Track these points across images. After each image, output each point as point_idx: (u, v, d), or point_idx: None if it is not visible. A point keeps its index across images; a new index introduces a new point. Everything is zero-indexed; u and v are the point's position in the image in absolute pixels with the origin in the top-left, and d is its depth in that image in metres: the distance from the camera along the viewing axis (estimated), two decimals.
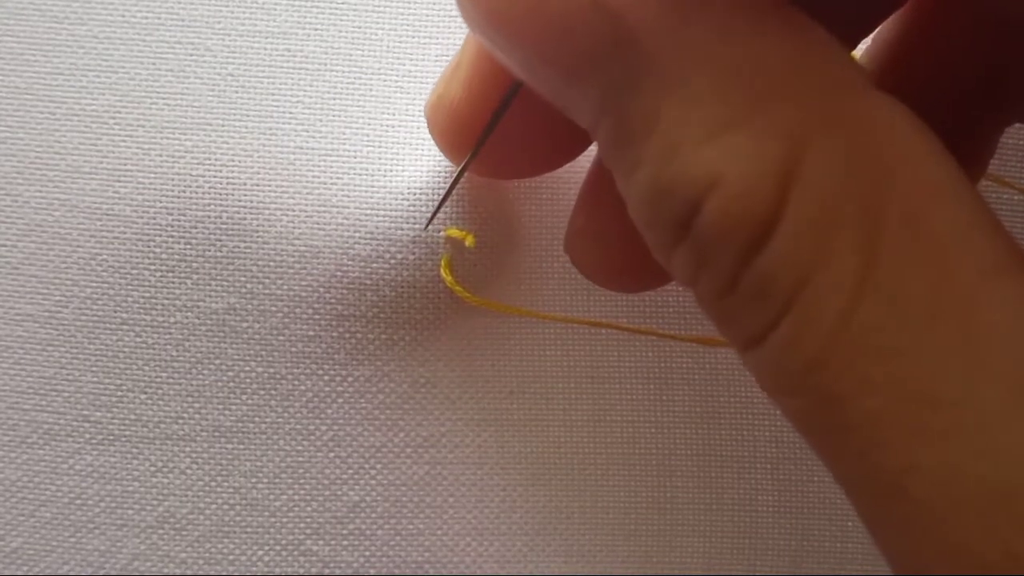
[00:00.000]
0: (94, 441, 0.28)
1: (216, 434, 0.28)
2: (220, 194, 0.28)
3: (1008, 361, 0.15)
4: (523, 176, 0.27)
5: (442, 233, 0.27)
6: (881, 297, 0.15)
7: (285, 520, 0.28)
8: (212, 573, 0.28)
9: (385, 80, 0.28)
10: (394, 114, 0.28)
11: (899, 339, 0.15)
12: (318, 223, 0.27)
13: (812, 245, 0.16)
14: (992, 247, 0.16)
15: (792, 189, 0.16)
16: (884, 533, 0.16)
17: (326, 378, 0.28)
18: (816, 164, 0.16)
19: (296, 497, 0.28)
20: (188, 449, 0.28)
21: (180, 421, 0.28)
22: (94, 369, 0.28)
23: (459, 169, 0.25)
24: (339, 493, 0.28)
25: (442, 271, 0.27)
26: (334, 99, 0.28)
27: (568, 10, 0.16)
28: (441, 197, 0.27)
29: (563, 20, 0.16)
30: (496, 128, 0.23)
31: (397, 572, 0.28)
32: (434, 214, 0.27)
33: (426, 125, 0.26)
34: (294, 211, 0.28)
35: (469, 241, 0.27)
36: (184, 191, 0.28)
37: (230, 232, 0.28)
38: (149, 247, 0.28)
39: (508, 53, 0.18)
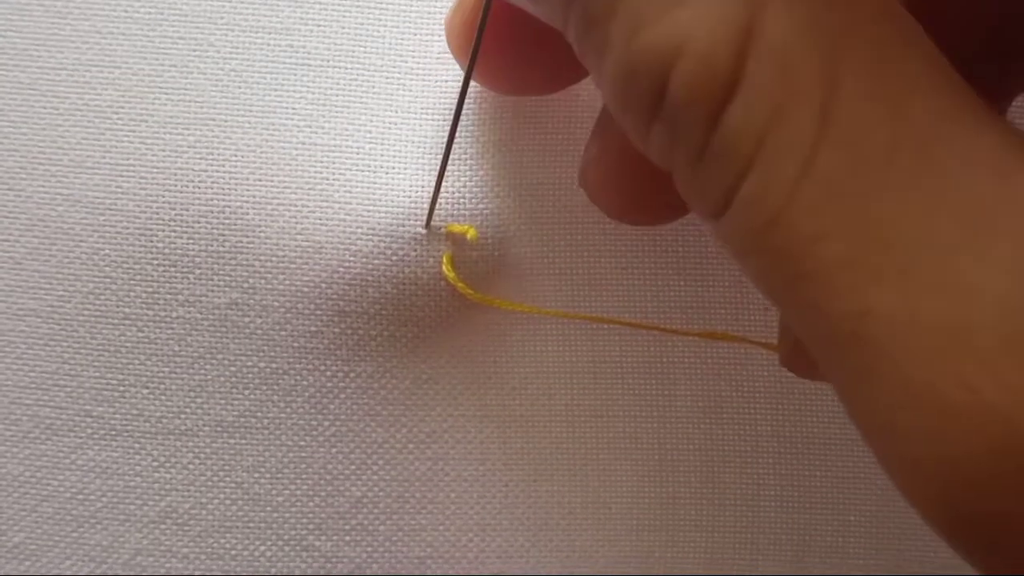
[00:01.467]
0: (96, 436, 0.28)
1: (218, 429, 0.28)
2: (223, 189, 0.28)
3: (962, 200, 0.15)
4: (527, 92, 0.27)
5: (443, 230, 0.27)
6: (839, 146, 0.16)
7: (288, 516, 0.28)
8: (214, 568, 0.28)
9: (388, 77, 0.28)
10: (397, 111, 0.28)
11: (856, 184, 0.16)
12: (320, 219, 0.27)
13: (771, 102, 0.16)
14: (949, 93, 0.16)
15: (751, 50, 0.16)
16: (847, 386, 0.16)
17: (328, 374, 0.28)
18: (774, 24, 0.16)
19: (299, 493, 0.28)
20: (190, 444, 0.28)
21: (182, 416, 0.28)
22: (96, 364, 0.28)
23: (448, 138, 0.25)
24: (342, 489, 0.28)
25: (444, 267, 0.27)
26: (337, 95, 0.28)
27: None
28: (435, 189, 0.27)
29: None
30: (491, 42, 0.23)
31: (399, 568, 0.28)
32: (433, 204, 0.27)
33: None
34: (296, 207, 0.28)
35: (471, 235, 0.27)
36: (187, 186, 0.28)
37: (233, 227, 0.28)
38: (152, 242, 0.28)
39: None
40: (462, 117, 0.27)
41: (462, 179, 0.28)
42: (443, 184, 0.27)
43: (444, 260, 0.27)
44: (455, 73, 0.28)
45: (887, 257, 0.15)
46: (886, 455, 0.16)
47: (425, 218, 0.27)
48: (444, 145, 0.27)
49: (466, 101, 0.25)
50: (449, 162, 0.27)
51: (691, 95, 0.16)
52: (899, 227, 0.15)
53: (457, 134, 0.27)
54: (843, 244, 0.16)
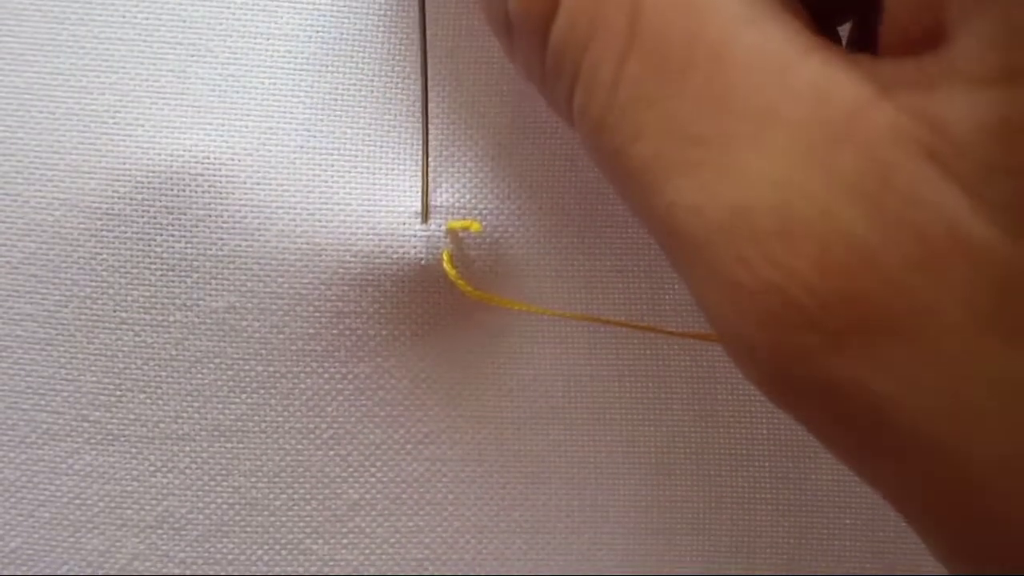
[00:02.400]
0: (93, 441, 0.28)
1: (216, 433, 0.28)
2: (220, 194, 0.28)
3: (748, 96, 0.17)
4: None
5: (443, 227, 0.27)
6: (644, 54, 0.18)
7: (285, 519, 0.28)
8: (212, 573, 0.28)
9: (386, 81, 0.28)
10: (396, 115, 0.28)
11: (660, 89, 0.17)
12: (319, 221, 0.28)
13: (586, 18, 0.18)
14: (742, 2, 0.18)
15: None
16: (678, 271, 0.18)
17: (326, 376, 0.28)
18: None
19: (296, 496, 0.28)
20: (188, 448, 0.28)
21: (180, 420, 0.28)
22: (93, 368, 0.28)
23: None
24: (339, 491, 0.28)
25: (444, 265, 0.27)
26: (335, 100, 0.28)
27: None
28: (423, 181, 0.27)
29: None
30: None
31: (397, 570, 0.28)
32: (425, 192, 0.27)
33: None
34: (295, 210, 0.28)
35: (474, 227, 0.27)
36: (184, 191, 0.28)
37: (230, 231, 0.28)
38: (149, 246, 0.28)
39: None
40: (462, 119, 0.28)
41: (462, 179, 0.28)
42: (444, 184, 0.27)
43: (444, 258, 0.27)
44: (454, 75, 0.28)
45: (685, 153, 0.17)
46: (713, 328, 0.18)
47: (422, 215, 0.27)
48: (430, 143, 0.27)
49: (466, 102, 0.25)
50: (449, 162, 0.27)
51: (520, 15, 0.19)
52: (695, 125, 0.17)
53: (457, 134, 0.27)
54: (652, 143, 0.18)
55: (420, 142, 0.28)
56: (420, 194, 0.28)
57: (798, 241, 0.16)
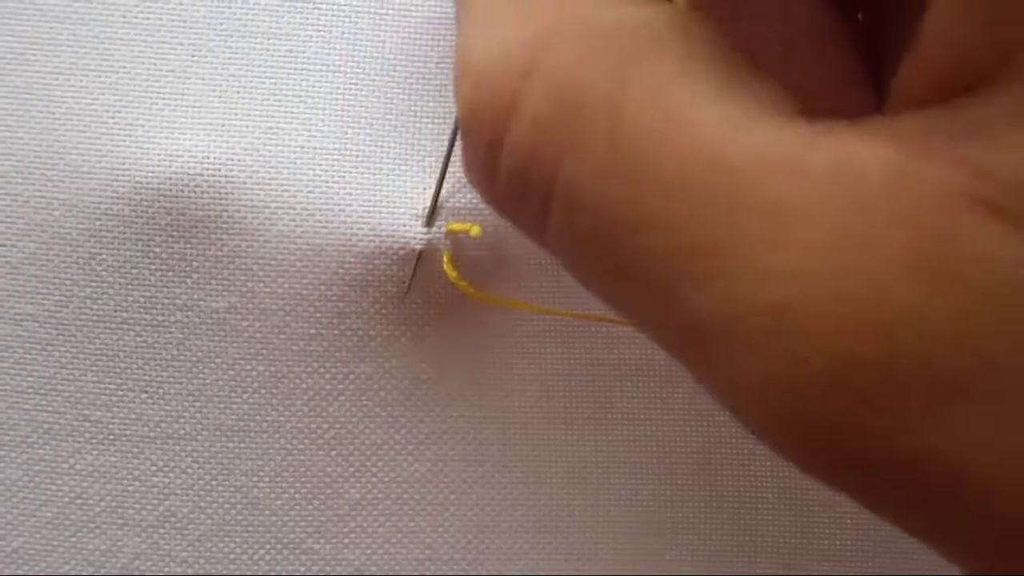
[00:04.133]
0: (95, 441, 0.28)
1: (217, 433, 0.28)
2: (220, 193, 0.28)
3: (763, 197, 0.16)
4: None
5: (444, 229, 0.27)
6: (630, 172, 0.16)
7: (286, 519, 0.28)
8: (213, 572, 0.28)
9: (388, 81, 0.28)
10: (397, 116, 0.28)
11: (657, 205, 0.16)
12: (320, 221, 0.28)
13: (554, 131, 0.17)
14: (735, 97, 0.17)
15: (530, 81, 0.17)
16: (706, 382, 0.17)
17: (327, 376, 0.28)
18: (556, 56, 0.17)
19: (297, 496, 0.28)
20: (189, 448, 0.28)
21: (181, 420, 0.28)
22: (94, 369, 0.28)
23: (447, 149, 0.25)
24: (340, 491, 0.28)
25: (444, 266, 0.27)
26: (336, 100, 0.28)
27: None
28: (436, 187, 0.27)
29: None
30: None
31: (399, 570, 0.28)
32: (435, 202, 0.27)
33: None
34: (295, 210, 0.28)
35: (475, 231, 0.27)
36: (184, 191, 0.28)
37: (231, 231, 0.28)
38: (149, 247, 0.28)
39: None
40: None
41: (463, 179, 0.28)
42: (445, 185, 0.27)
43: (444, 259, 0.27)
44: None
45: (702, 264, 0.16)
46: (753, 426, 0.17)
47: (425, 217, 0.27)
48: (445, 147, 0.27)
49: None
50: (449, 161, 0.27)
51: (469, 115, 0.17)
52: (707, 237, 0.16)
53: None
54: (661, 261, 0.16)
55: (421, 143, 0.28)
56: (431, 197, 0.27)
57: (856, 328, 0.15)
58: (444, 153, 0.26)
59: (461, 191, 0.28)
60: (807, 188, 0.16)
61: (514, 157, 0.17)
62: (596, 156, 0.17)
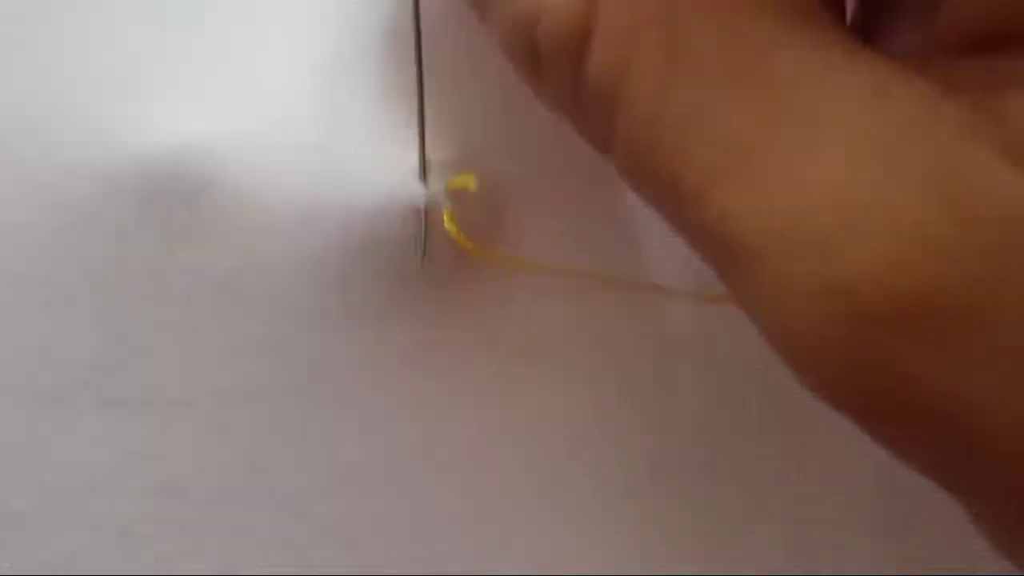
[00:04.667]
0: (95, 404, 0.28)
1: (218, 397, 0.28)
2: (223, 158, 0.28)
3: (797, 105, 0.17)
4: None
5: (443, 186, 0.27)
6: (687, 74, 0.18)
7: (287, 482, 0.28)
8: (214, 536, 0.28)
9: (384, 41, 0.28)
10: (395, 75, 0.28)
11: (706, 106, 0.18)
12: (321, 184, 0.27)
13: (622, 42, 0.18)
14: (778, 8, 0.18)
15: (598, 3, 0.18)
16: (728, 281, 0.18)
17: (328, 339, 0.28)
18: None
19: (298, 459, 0.28)
20: (190, 414, 0.28)
21: (182, 384, 0.28)
22: (95, 333, 0.28)
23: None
24: (341, 454, 0.28)
25: (445, 223, 0.27)
26: (333, 61, 0.28)
27: None
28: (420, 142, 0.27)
29: None
30: None
31: (400, 534, 0.28)
32: (422, 151, 0.27)
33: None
34: (297, 174, 0.28)
35: (471, 185, 0.27)
36: (186, 155, 0.28)
37: (232, 196, 0.28)
38: (150, 210, 0.28)
39: None
40: (459, 81, 0.28)
41: (447, 130, 0.28)
42: (441, 146, 0.27)
43: (445, 216, 0.27)
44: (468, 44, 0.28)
45: (739, 165, 0.17)
46: (765, 330, 0.18)
47: (420, 174, 0.27)
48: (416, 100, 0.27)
49: (466, 65, 0.25)
50: (445, 127, 0.27)
51: (554, 48, 0.19)
52: (748, 137, 0.17)
53: (456, 96, 0.27)
54: (703, 159, 0.18)
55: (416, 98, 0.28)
56: (417, 151, 0.27)
57: (870, 240, 0.16)
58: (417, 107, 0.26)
59: (447, 143, 0.28)
60: (845, 99, 0.17)
61: (590, 76, 0.19)
62: (656, 60, 0.18)
